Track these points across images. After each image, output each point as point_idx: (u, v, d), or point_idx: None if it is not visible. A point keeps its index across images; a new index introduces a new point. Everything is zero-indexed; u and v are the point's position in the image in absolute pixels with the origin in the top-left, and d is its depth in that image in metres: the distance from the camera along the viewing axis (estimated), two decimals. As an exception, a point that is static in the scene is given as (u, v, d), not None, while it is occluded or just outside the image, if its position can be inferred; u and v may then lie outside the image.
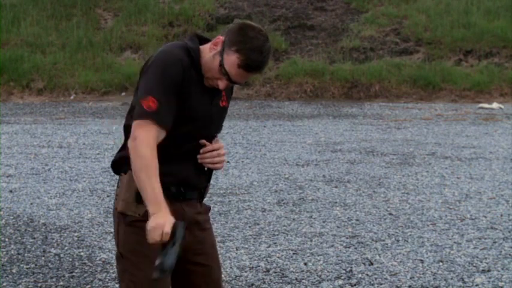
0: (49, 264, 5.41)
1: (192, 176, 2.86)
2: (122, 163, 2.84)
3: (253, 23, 2.87)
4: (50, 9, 20.17)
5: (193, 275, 2.91)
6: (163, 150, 2.76)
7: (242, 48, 2.74)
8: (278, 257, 5.52)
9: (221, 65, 2.75)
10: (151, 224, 2.65)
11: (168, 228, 2.65)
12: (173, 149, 2.79)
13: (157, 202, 2.67)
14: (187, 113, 2.79)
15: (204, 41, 2.89)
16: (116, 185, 2.93)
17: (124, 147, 2.86)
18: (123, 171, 2.83)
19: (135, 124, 2.69)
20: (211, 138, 2.90)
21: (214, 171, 2.97)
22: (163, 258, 2.67)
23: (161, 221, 2.65)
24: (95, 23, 19.82)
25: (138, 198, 2.75)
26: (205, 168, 2.91)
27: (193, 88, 2.80)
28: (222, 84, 2.81)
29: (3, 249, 5.76)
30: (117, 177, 2.95)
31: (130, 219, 2.79)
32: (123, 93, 17.28)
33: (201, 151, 2.86)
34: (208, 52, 2.81)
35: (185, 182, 2.85)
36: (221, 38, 2.80)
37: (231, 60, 2.74)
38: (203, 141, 2.86)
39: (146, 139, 2.67)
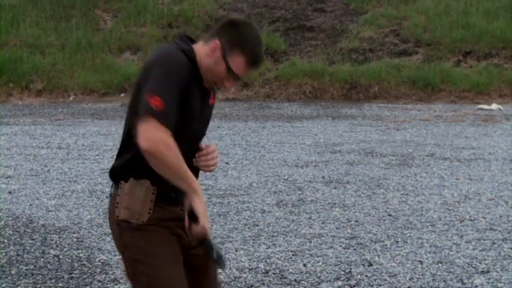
0: (48, 265, 5.41)
1: None
2: (122, 170, 2.86)
3: (236, 16, 2.93)
4: (49, 10, 20.18)
5: (194, 269, 2.96)
6: None
7: (245, 48, 2.81)
8: (277, 258, 5.52)
9: (229, 68, 2.81)
10: (202, 209, 2.76)
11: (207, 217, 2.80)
12: None
13: (197, 186, 2.77)
14: (189, 115, 2.82)
15: (191, 41, 2.93)
16: (111, 192, 2.93)
17: (124, 153, 2.87)
18: (123, 179, 2.84)
19: (145, 124, 2.65)
20: (203, 137, 2.96)
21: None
22: (216, 248, 2.85)
23: (205, 208, 2.78)
24: (94, 24, 19.83)
25: (145, 206, 2.79)
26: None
27: (194, 90, 2.83)
28: (229, 83, 2.88)
29: (3, 251, 5.76)
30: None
31: (134, 225, 2.82)
32: (123, 94, 17.28)
33: (197, 155, 2.91)
34: (205, 56, 2.83)
35: None
36: (217, 42, 2.82)
37: (238, 62, 2.81)
38: (202, 145, 2.91)
39: (165, 138, 2.66)
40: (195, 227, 2.78)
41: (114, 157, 2.98)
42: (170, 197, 2.84)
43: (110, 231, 3.01)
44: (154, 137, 2.64)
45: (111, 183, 2.93)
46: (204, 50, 2.85)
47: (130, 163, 2.83)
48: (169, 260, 2.83)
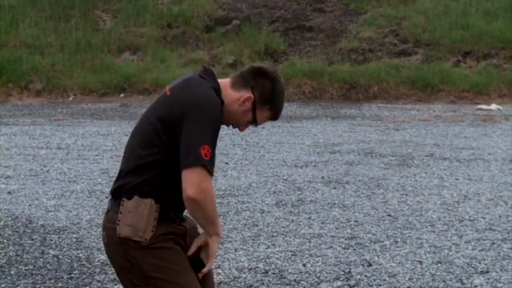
0: (48, 265, 5.41)
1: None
2: (129, 188, 2.86)
3: (268, 67, 3.03)
4: (49, 10, 20.17)
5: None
6: (168, 180, 2.83)
7: (274, 105, 2.96)
8: (277, 258, 5.52)
9: (255, 120, 2.95)
10: (215, 253, 2.92)
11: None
12: (178, 178, 2.82)
13: (220, 230, 2.94)
14: None
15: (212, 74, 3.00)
16: (108, 209, 2.93)
17: (134, 174, 2.86)
18: (126, 197, 2.85)
19: (196, 174, 2.73)
20: None
21: None
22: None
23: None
24: (93, 24, 19.83)
25: (149, 224, 2.82)
26: None
27: None
28: (244, 128, 3.02)
29: (2, 251, 5.76)
30: (115, 178, 2.95)
31: (140, 244, 2.83)
32: (122, 95, 17.28)
33: None
34: (233, 103, 2.90)
35: (182, 206, 2.93)
36: (250, 96, 2.91)
37: (264, 115, 2.97)
38: None
39: (211, 188, 2.80)
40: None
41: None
42: (169, 217, 2.88)
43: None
44: (205, 188, 2.75)
45: (113, 180, 2.93)
46: (234, 97, 2.91)
47: (139, 183, 2.84)
48: (183, 270, 2.86)
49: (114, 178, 2.99)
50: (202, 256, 3.01)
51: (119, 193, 2.88)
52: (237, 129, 3.05)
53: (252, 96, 2.90)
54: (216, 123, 2.80)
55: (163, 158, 2.81)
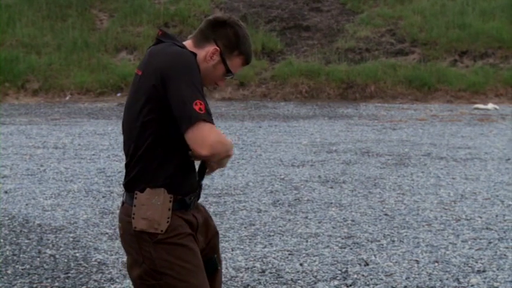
0: (44, 265, 5.40)
1: (196, 181, 2.95)
2: (138, 181, 2.84)
3: (221, 15, 2.99)
4: (46, 9, 20.16)
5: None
6: (174, 160, 2.82)
7: (242, 49, 2.92)
8: (274, 258, 5.52)
9: (229, 71, 2.91)
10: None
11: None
12: (186, 158, 2.82)
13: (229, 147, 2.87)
14: None
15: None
16: (123, 202, 2.92)
17: (138, 164, 2.84)
18: (138, 190, 2.83)
19: (200, 131, 2.70)
20: None
21: None
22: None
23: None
24: (90, 24, 19.81)
25: (164, 215, 2.80)
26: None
27: None
28: (222, 82, 2.98)
29: (-1, 250, 5.75)
30: (112, 177, 2.96)
31: (155, 237, 2.81)
32: (119, 94, 17.27)
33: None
34: (202, 62, 2.86)
35: (195, 189, 2.93)
36: (216, 48, 2.88)
37: (236, 63, 2.93)
38: None
39: (220, 134, 2.75)
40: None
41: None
42: (185, 204, 2.87)
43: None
44: (215, 140, 2.71)
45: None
46: (201, 55, 2.88)
47: (146, 173, 2.82)
48: (195, 270, 2.84)
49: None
50: (215, 255, 3.00)
51: (130, 186, 2.87)
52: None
53: (217, 48, 2.88)
54: (196, 74, 2.76)
55: (161, 137, 2.78)
